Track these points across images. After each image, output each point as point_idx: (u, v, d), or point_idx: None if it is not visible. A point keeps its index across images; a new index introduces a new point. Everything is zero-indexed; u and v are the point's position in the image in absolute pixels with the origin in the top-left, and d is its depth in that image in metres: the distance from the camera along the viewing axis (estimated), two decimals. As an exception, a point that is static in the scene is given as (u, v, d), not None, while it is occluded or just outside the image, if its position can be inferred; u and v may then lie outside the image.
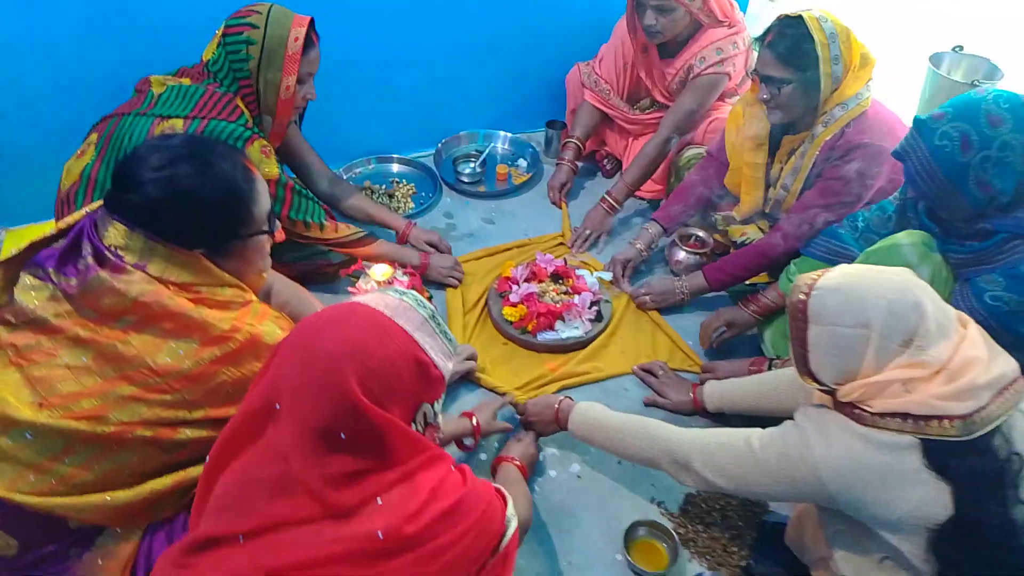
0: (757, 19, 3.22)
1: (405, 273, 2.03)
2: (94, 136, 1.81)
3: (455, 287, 2.17)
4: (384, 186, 2.57)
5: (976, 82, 2.81)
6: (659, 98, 2.49)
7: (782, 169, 2.06)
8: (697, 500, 1.71)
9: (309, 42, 1.84)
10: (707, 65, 2.28)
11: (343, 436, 0.96)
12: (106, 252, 1.23)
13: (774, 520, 1.67)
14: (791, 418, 1.39)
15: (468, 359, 1.89)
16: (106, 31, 2.07)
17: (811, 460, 1.26)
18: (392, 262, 2.05)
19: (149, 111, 1.76)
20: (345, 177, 2.57)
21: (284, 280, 1.76)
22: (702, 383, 1.89)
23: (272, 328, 1.34)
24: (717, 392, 1.81)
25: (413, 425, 1.05)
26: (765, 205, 2.15)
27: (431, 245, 2.24)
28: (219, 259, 1.32)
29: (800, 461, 1.28)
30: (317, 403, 0.97)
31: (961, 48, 2.95)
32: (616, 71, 2.52)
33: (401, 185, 2.57)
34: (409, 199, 2.52)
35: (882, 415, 1.21)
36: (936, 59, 2.95)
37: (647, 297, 2.16)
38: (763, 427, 1.40)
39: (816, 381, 1.31)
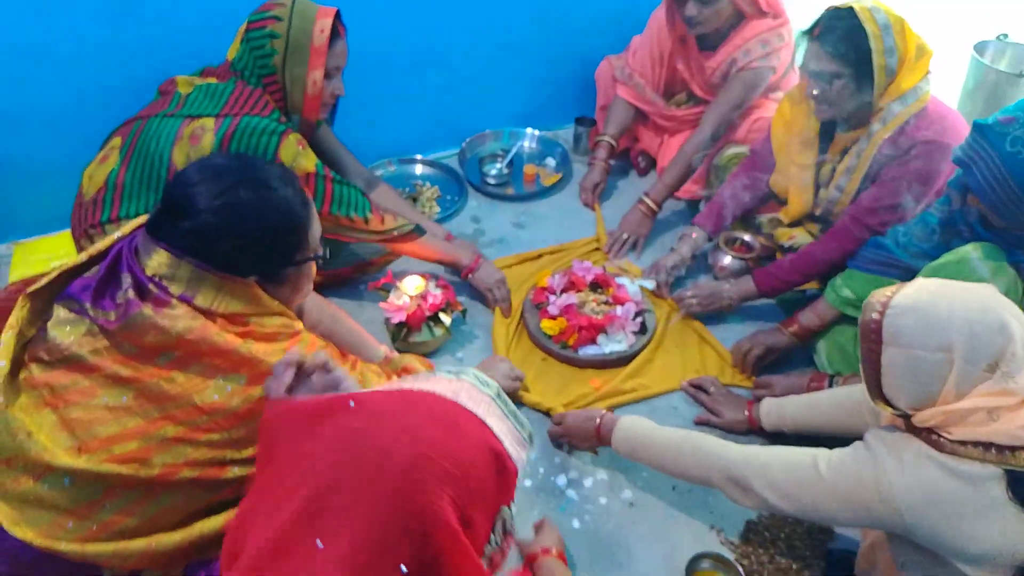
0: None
1: (438, 286, 1.91)
2: (117, 140, 1.70)
3: (491, 306, 2.04)
4: (407, 189, 2.44)
5: (1023, 72, 2.68)
6: (697, 92, 2.36)
7: (834, 169, 1.94)
8: (759, 527, 1.60)
9: (335, 34, 1.72)
10: (752, 58, 2.15)
11: (404, 569, 0.74)
12: (148, 283, 1.13)
13: (841, 548, 1.57)
14: (858, 438, 1.30)
15: (515, 379, 1.78)
16: (119, 37, 1.95)
17: (886, 488, 1.19)
18: (425, 274, 1.93)
19: (177, 112, 1.66)
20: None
21: (315, 298, 1.65)
22: (757, 400, 1.78)
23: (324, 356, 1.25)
24: (777, 410, 1.69)
25: (492, 536, 0.86)
26: (815, 207, 2.03)
27: (497, 295, 2.03)
28: (270, 286, 1.24)
29: (874, 488, 1.20)
30: (380, 525, 0.74)
31: (1006, 36, 2.82)
32: (651, 64, 2.39)
33: (425, 188, 2.45)
34: (434, 202, 2.39)
35: (963, 443, 1.13)
36: (980, 48, 2.81)
37: (693, 300, 2.03)
38: (826, 447, 1.32)
39: (889, 405, 1.22)
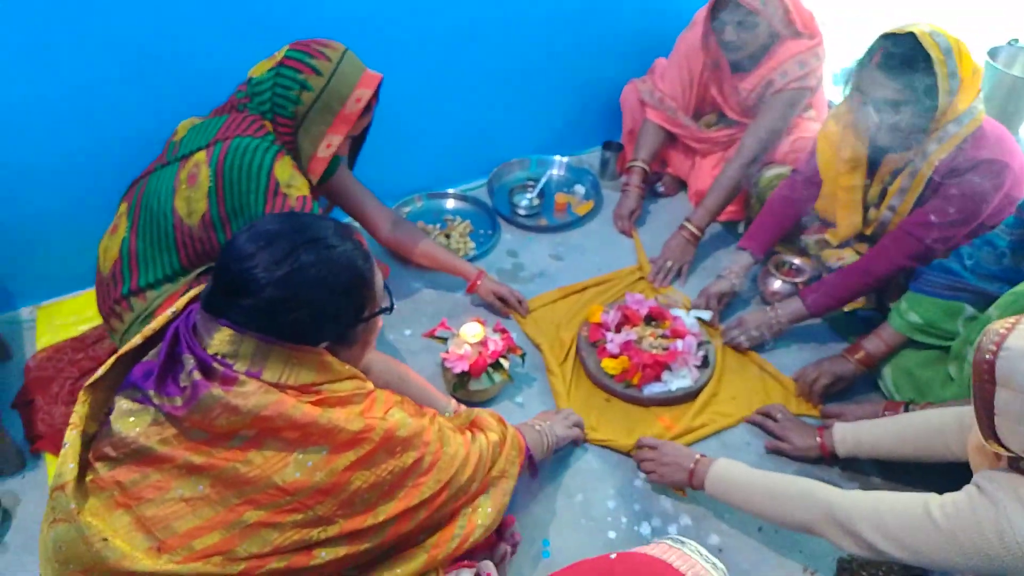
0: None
1: (495, 331, 1.85)
2: (124, 207, 1.64)
3: (507, 310, 2.07)
4: (439, 225, 2.38)
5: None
6: (730, 114, 2.34)
7: (884, 190, 1.92)
8: (853, 566, 1.56)
9: (370, 107, 1.66)
10: (789, 79, 2.13)
11: None
12: (212, 363, 1.06)
13: None
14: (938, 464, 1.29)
15: (575, 425, 1.73)
16: (134, 91, 1.84)
17: (1010, 536, 1.15)
18: (480, 319, 1.87)
19: (173, 157, 1.59)
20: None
21: (380, 356, 1.58)
22: (827, 428, 1.75)
23: (402, 417, 1.20)
24: (852, 435, 1.66)
25: None
26: (866, 227, 2.01)
27: (501, 300, 2.06)
28: (340, 349, 1.17)
29: (997, 537, 1.16)
30: None
31: (1016, 41, 2.84)
32: (682, 87, 2.36)
33: (456, 223, 2.39)
34: (467, 238, 2.33)
35: None
36: (992, 53, 2.84)
37: (742, 338, 2.01)
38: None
39: (1002, 445, 1.18)
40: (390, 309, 1.24)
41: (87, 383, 1.12)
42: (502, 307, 2.07)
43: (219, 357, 1.06)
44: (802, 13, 2.11)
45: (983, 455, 1.40)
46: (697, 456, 1.59)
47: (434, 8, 2.10)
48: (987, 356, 1.17)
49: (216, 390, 1.04)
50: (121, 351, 1.15)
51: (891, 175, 1.90)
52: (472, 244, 2.31)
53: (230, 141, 1.54)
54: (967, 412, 1.49)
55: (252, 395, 1.05)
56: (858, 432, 1.66)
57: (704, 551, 0.89)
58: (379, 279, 1.21)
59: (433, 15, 2.11)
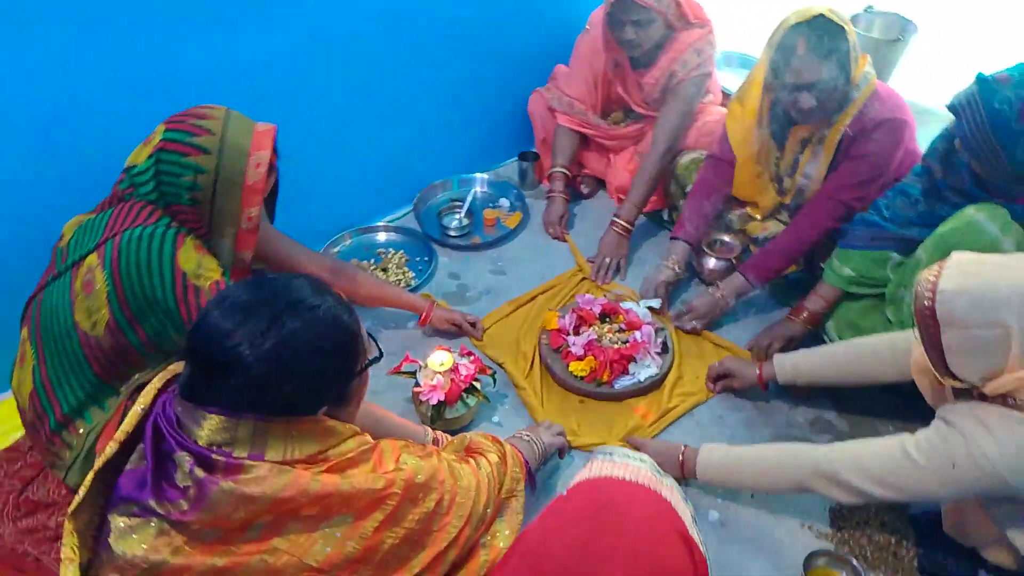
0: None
1: (463, 354, 1.84)
2: (24, 332, 1.48)
3: (466, 333, 2.07)
4: (373, 260, 2.34)
5: (899, 37, 2.95)
6: (637, 109, 2.42)
7: (796, 159, 2.05)
8: (845, 513, 1.65)
9: (270, 168, 1.49)
10: (690, 69, 2.24)
11: None
12: (212, 455, 0.99)
13: (923, 511, 1.64)
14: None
15: (558, 435, 1.74)
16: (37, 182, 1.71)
17: (983, 461, 1.25)
18: (444, 346, 1.85)
19: (63, 267, 1.42)
20: (326, 260, 2.32)
21: None
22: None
23: (416, 462, 1.18)
24: (790, 362, 1.76)
25: None
26: (785, 196, 2.13)
27: (456, 326, 2.05)
28: (337, 410, 1.13)
29: (973, 465, 1.26)
30: None
31: (872, 7, 3.09)
32: (587, 89, 2.43)
33: (391, 255, 2.36)
34: (405, 268, 2.31)
35: None
36: (852, 20, 3.07)
37: (694, 322, 2.09)
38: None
39: (958, 380, 1.28)
40: (380, 357, 1.20)
41: (70, 510, 1.02)
42: (458, 332, 2.06)
43: (217, 448, 1.00)
44: (691, 4, 2.22)
45: (927, 375, 1.52)
46: (682, 448, 1.63)
47: (330, 45, 2.06)
48: (926, 303, 1.26)
49: (226, 483, 0.98)
50: (98, 466, 1.05)
51: (800, 145, 2.03)
52: (411, 273, 2.29)
53: (120, 236, 1.36)
54: (900, 338, 1.61)
55: (265, 479, 0.99)
56: (795, 359, 1.77)
57: (628, 450, 0.95)
58: (362, 327, 1.17)
59: (330, 52, 2.07)
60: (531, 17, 2.51)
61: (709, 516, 1.66)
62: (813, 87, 1.79)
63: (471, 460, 1.39)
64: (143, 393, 1.10)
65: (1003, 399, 1.24)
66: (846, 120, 1.89)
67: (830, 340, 2.00)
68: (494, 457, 1.42)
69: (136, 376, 1.46)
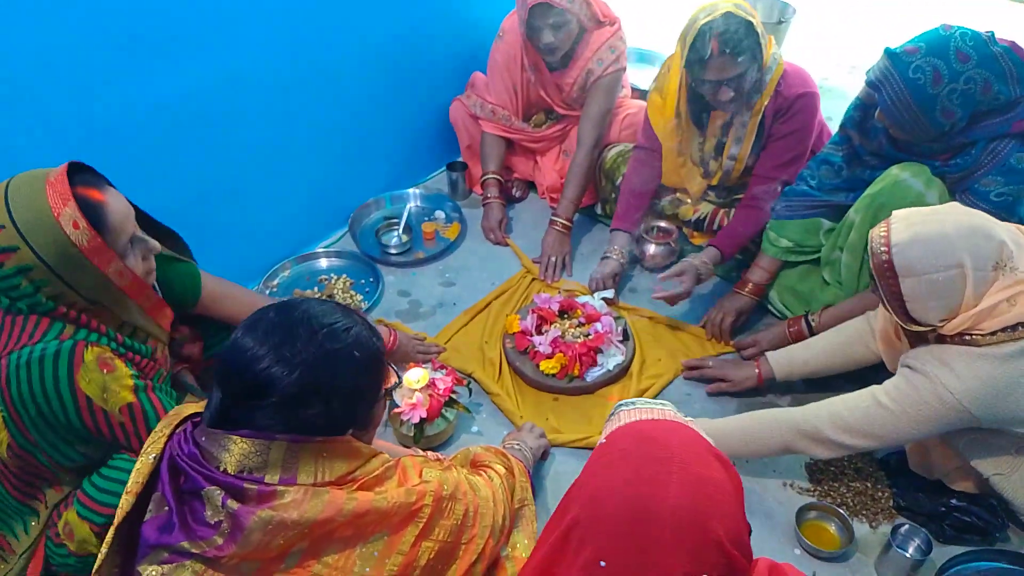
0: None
1: (437, 369, 1.83)
2: None
3: (431, 360, 1.95)
4: (316, 288, 2.29)
5: (781, 20, 3.16)
6: (558, 110, 2.48)
7: (720, 143, 2.15)
8: (820, 467, 1.75)
9: (96, 213, 1.22)
10: (607, 66, 2.31)
11: None
12: (243, 484, 0.98)
13: (890, 454, 1.75)
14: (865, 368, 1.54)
15: (541, 436, 1.76)
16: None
17: (949, 397, 1.35)
18: (415, 363, 1.84)
19: None
20: (267, 294, 2.25)
21: None
22: (749, 359, 1.95)
23: (439, 474, 1.20)
24: (786, 358, 1.83)
25: None
26: (712, 179, 2.24)
27: (425, 354, 1.98)
28: (361, 432, 1.13)
29: (940, 403, 1.37)
30: None
31: (751, -7, 3.29)
32: (508, 95, 2.47)
33: (334, 281, 2.31)
34: (352, 292, 2.27)
35: (994, 333, 1.32)
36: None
37: (681, 285, 2.03)
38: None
39: (920, 325, 1.39)
40: (400, 383, 1.20)
41: (94, 571, 0.99)
42: (424, 356, 2.00)
43: (248, 474, 0.98)
44: (599, 3, 2.30)
45: (891, 346, 1.64)
46: None
47: (245, 79, 2.00)
48: (883, 258, 1.37)
49: (263, 512, 0.96)
50: (117, 521, 1.01)
51: (721, 129, 2.14)
52: (359, 296, 2.25)
53: (6, 360, 1.21)
54: (871, 315, 1.73)
55: (301, 503, 0.98)
56: (791, 354, 1.84)
57: (646, 398, 1.04)
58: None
59: (246, 86, 2.01)
60: (443, 29, 2.53)
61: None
62: (730, 81, 1.89)
63: (482, 473, 1.40)
64: (150, 441, 1.06)
65: (960, 337, 1.35)
66: (764, 101, 2.00)
67: (775, 309, 2.12)
68: (501, 468, 1.44)
69: (51, 494, 1.35)
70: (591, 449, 1.78)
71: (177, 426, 1.07)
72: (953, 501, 1.58)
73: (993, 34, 1.55)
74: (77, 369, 1.22)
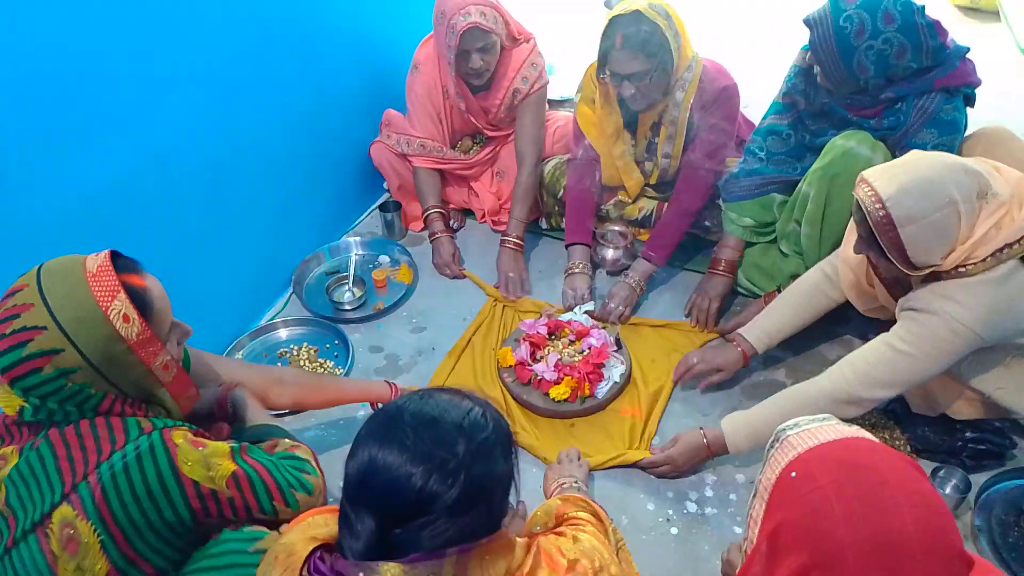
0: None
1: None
2: None
3: None
4: (280, 364, 2.12)
5: (607, 4, 3.30)
6: (487, 132, 2.45)
7: (650, 142, 2.21)
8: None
9: (142, 299, 1.16)
10: (531, 83, 2.31)
11: None
12: None
13: (890, 402, 1.81)
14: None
15: (583, 464, 1.74)
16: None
17: (962, 328, 1.45)
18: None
19: (19, 534, 1.11)
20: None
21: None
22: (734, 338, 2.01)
23: (554, 539, 1.13)
24: (760, 329, 1.89)
25: None
26: (650, 178, 2.29)
27: None
28: (509, 518, 1.05)
29: (954, 335, 1.46)
30: None
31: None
32: (434, 126, 2.41)
33: (298, 351, 2.14)
34: (320, 360, 2.11)
35: (984, 259, 1.42)
36: (607, 5, 3.36)
37: (620, 308, 2.16)
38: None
39: (920, 269, 1.46)
40: (516, 455, 1.13)
41: None
42: None
43: None
44: (514, 22, 2.29)
45: (864, 293, 1.75)
46: (700, 431, 1.70)
47: (170, 152, 1.83)
48: (880, 214, 1.43)
49: None
50: None
51: (651, 129, 2.20)
52: (330, 363, 2.10)
53: (96, 475, 1.11)
54: (825, 264, 1.83)
55: None
56: (762, 324, 1.90)
57: (803, 416, 1.03)
58: None
59: (171, 159, 1.84)
60: (351, 70, 2.43)
61: (736, 478, 1.77)
62: (631, 77, 1.96)
63: (579, 525, 1.35)
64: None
65: (955, 271, 1.44)
66: (689, 98, 2.08)
67: (745, 289, 2.20)
68: (588, 516, 1.39)
69: None
70: (626, 467, 1.78)
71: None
72: (967, 434, 1.70)
73: (923, 8, 1.69)
74: (175, 456, 1.15)
